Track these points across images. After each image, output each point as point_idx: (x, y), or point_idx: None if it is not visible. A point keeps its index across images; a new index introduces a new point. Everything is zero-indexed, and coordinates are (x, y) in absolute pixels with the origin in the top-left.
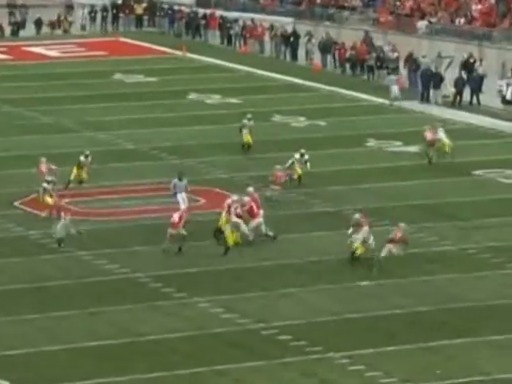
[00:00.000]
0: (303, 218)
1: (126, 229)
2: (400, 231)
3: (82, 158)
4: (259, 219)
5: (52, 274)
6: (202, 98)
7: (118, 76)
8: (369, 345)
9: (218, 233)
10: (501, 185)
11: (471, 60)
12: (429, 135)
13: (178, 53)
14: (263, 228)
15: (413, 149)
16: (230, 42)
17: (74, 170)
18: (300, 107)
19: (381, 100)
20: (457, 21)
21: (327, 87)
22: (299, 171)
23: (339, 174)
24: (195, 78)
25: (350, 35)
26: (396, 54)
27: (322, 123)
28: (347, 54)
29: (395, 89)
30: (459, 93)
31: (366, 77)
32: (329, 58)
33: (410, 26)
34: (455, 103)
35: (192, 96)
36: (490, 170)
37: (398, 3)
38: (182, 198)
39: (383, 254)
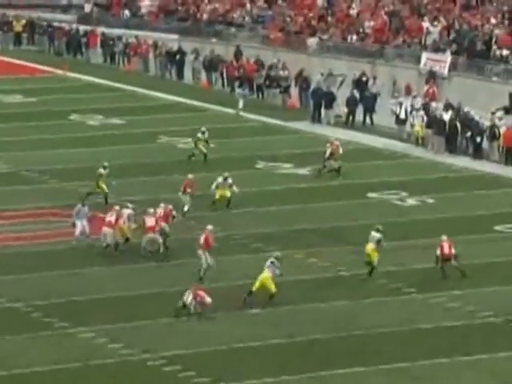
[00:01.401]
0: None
1: (7, 256)
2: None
3: None
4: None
5: None
6: (83, 118)
7: None
8: (259, 375)
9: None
10: (396, 207)
11: (363, 78)
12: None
13: (59, 72)
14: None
15: (303, 171)
16: (113, 60)
17: None
18: (187, 128)
19: (271, 120)
20: (349, 38)
21: (215, 107)
22: (228, 194)
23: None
24: (77, 98)
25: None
26: (286, 72)
27: (211, 144)
28: (235, 73)
29: (241, 103)
30: (352, 112)
31: (255, 96)
32: (214, 76)
33: (301, 43)
34: (348, 123)
35: (73, 116)
36: (384, 192)
37: (288, 19)
38: (81, 225)
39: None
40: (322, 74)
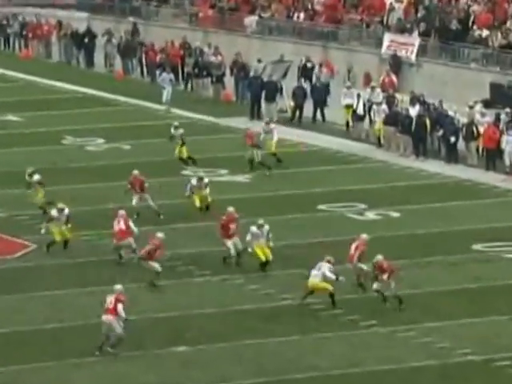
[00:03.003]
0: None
1: None
2: None
3: None
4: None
5: None
6: None
7: None
8: None
9: None
10: (353, 222)
11: (309, 65)
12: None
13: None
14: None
15: (241, 178)
16: (7, 43)
17: None
18: (98, 126)
19: (201, 116)
20: (295, 16)
21: (132, 100)
22: (207, 196)
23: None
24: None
25: (160, 34)
26: (220, 58)
27: (126, 146)
28: (157, 58)
29: (169, 91)
30: (299, 106)
31: (182, 87)
32: (133, 62)
33: (237, 22)
34: (294, 119)
35: None
36: (338, 204)
37: None
38: None
39: None
40: (260, 61)
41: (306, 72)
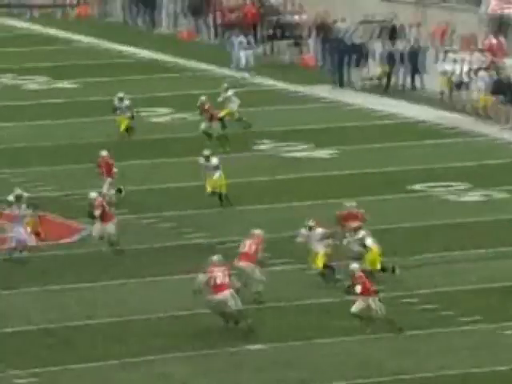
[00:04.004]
0: None
1: None
2: None
3: None
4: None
5: None
6: (19, 81)
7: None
8: None
9: None
10: (449, 204)
11: (400, 26)
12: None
13: None
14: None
15: (323, 153)
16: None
17: None
18: (164, 94)
19: (280, 84)
20: None
21: (201, 65)
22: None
23: None
24: (10, 53)
25: None
26: (303, 17)
27: (194, 117)
28: (230, 18)
29: (245, 55)
30: (389, 73)
31: (260, 51)
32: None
33: None
34: (386, 87)
35: (4, 79)
36: (433, 184)
37: None
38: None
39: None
40: (344, 21)
41: (396, 34)
